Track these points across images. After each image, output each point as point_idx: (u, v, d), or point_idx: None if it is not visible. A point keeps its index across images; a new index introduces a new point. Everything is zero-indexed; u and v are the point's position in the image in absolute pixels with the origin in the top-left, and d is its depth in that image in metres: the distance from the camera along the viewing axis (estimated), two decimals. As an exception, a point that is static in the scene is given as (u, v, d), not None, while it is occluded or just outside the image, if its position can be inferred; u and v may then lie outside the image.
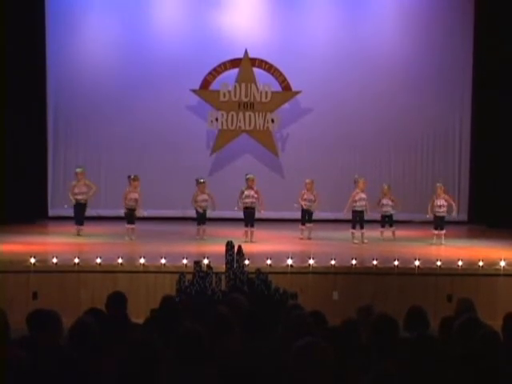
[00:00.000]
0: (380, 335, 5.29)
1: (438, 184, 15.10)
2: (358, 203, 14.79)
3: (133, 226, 14.61)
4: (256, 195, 14.85)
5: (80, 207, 15.04)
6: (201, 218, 14.86)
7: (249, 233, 14.59)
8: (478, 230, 17.06)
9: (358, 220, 14.73)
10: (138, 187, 14.74)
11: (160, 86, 17.88)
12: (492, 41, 17.37)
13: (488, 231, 16.56)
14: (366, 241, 14.56)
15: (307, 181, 15.15)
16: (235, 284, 8.94)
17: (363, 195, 14.84)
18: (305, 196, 15.13)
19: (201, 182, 14.94)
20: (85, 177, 15.18)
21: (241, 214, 14.97)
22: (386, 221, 15.20)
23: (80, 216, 15.02)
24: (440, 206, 14.70)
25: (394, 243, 14.61)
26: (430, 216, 14.87)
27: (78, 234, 14.81)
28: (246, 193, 14.83)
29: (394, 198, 15.33)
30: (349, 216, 15.08)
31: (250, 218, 14.73)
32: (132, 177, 14.77)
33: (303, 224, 15.16)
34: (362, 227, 14.66)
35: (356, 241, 14.58)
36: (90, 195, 15.16)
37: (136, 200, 14.66)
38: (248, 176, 14.95)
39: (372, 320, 5.52)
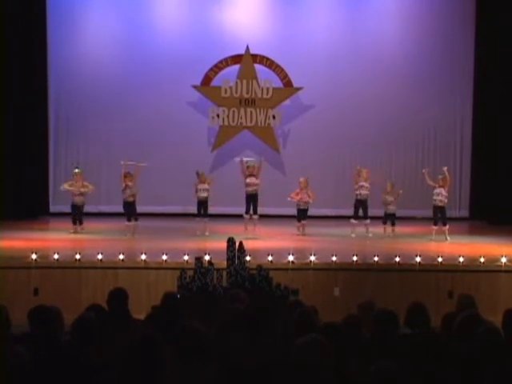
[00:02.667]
0: (381, 328, 5.30)
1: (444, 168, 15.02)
2: (358, 191, 14.78)
3: (131, 223, 14.61)
4: (257, 182, 14.84)
5: (74, 209, 15.01)
6: (200, 210, 14.88)
7: (251, 225, 14.55)
8: (479, 226, 17.07)
9: (360, 207, 14.69)
10: (135, 179, 14.74)
11: (161, 82, 17.88)
12: (493, 39, 17.35)
13: (489, 228, 16.56)
14: (370, 234, 14.52)
15: (301, 179, 15.18)
16: (236, 280, 8.95)
17: (364, 184, 14.81)
18: (299, 195, 15.15)
19: (200, 174, 14.98)
20: (82, 178, 15.08)
21: (242, 210, 14.98)
22: (389, 219, 15.18)
23: (74, 217, 14.98)
24: (438, 194, 14.67)
25: (395, 240, 14.60)
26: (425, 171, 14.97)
27: (75, 232, 14.82)
28: (247, 180, 14.83)
29: (397, 196, 15.29)
30: (350, 212, 15.10)
31: (253, 205, 14.71)
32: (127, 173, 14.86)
33: (299, 221, 15.18)
34: (365, 217, 14.61)
35: (353, 235, 14.55)
36: (85, 195, 15.09)
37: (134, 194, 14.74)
38: (248, 163, 14.94)
39: (373, 314, 5.53)
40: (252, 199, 14.82)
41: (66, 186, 15.18)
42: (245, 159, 15.33)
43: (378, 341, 5.26)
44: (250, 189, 14.84)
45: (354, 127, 18.06)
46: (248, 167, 14.92)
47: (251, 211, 14.80)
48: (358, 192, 14.82)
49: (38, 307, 5.70)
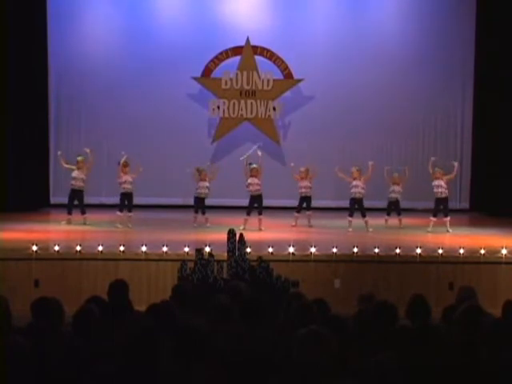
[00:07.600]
0: (379, 321, 5.30)
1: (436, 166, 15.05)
2: (352, 190, 14.81)
3: (124, 213, 14.73)
4: (259, 182, 14.82)
5: (73, 194, 14.97)
6: (198, 207, 14.87)
7: (257, 221, 14.56)
8: (479, 218, 17.06)
9: (356, 208, 14.73)
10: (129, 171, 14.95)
11: (161, 73, 17.84)
12: (495, 24, 17.27)
13: (489, 219, 16.55)
14: (370, 229, 14.51)
15: (302, 169, 15.17)
16: (237, 272, 8.95)
17: (356, 182, 14.79)
18: (301, 184, 15.14)
19: (201, 171, 14.96)
20: (85, 166, 15.08)
21: (242, 202, 14.97)
22: (393, 209, 15.20)
23: (70, 204, 14.94)
24: (438, 186, 14.69)
25: (396, 231, 14.61)
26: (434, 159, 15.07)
27: (68, 223, 14.77)
28: (249, 180, 14.80)
29: (402, 186, 15.28)
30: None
31: (258, 206, 14.71)
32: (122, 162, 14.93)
33: (298, 212, 15.15)
34: (363, 215, 14.63)
35: (350, 229, 14.52)
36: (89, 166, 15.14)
37: (131, 183, 14.87)
38: (251, 166, 14.89)
39: (371, 307, 5.54)
40: (256, 200, 14.78)
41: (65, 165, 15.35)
42: (244, 157, 15.20)
43: (377, 333, 5.27)
44: (253, 189, 14.77)
45: (354, 118, 18.02)
46: (252, 169, 14.84)
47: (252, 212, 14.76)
48: (352, 191, 14.83)
49: (40, 299, 5.71)
